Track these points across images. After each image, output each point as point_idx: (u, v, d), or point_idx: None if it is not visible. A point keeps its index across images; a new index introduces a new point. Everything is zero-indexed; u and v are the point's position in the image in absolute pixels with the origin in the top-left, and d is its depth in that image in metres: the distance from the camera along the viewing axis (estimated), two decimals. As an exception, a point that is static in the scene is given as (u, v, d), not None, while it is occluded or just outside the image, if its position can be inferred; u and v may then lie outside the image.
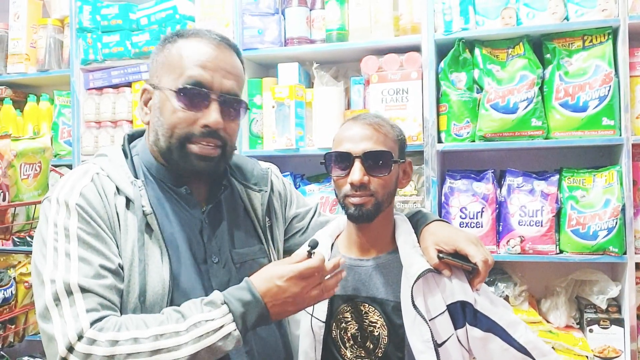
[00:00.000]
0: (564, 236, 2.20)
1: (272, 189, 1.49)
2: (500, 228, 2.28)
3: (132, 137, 1.38)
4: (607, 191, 2.16)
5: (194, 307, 1.10)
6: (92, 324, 1.05)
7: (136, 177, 1.25)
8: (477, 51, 2.31)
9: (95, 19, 2.67)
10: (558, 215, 2.23)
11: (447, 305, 1.30)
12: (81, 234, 1.12)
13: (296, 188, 2.54)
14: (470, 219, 2.27)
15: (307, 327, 1.37)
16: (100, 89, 2.74)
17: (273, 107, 2.45)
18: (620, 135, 2.14)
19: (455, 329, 1.30)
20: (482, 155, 2.52)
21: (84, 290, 1.08)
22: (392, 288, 1.34)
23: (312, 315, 1.37)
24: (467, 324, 1.30)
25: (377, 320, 1.34)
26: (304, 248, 1.21)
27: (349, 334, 1.37)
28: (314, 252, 1.19)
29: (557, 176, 2.26)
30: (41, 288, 1.09)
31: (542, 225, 2.21)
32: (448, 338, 1.30)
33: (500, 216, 2.28)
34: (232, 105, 1.27)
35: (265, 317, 1.14)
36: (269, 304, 1.13)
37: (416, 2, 2.35)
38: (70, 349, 1.03)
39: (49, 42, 2.83)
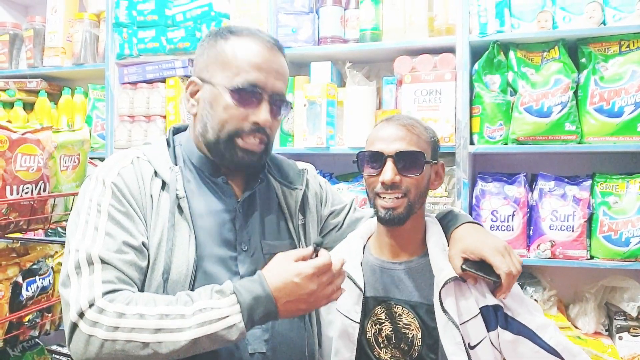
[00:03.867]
0: (595, 242, 2.19)
1: (307, 188, 1.52)
2: (531, 232, 2.27)
3: (178, 130, 1.44)
4: (640, 197, 2.14)
5: (203, 293, 1.13)
6: (104, 294, 1.09)
7: (175, 164, 1.32)
8: (511, 54, 2.30)
9: (132, 14, 2.71)
10: (590, 220, 2.21)
11: (480, 308, 1.31)
12: (112, 210, 1.19)
13: (325, 186, 2.56)
14: (501, 222, 2.27)
15: (341, 327, 1.38)
16: (134, 83, 2.78)
17: (305, 105, 2.47)
18: (656, 142, 2.12)
19: (488, 331, 1.31)
20: (513, 158, 2.51)
21: (104, 262, 1.13)
22: (425, 291, 1.34)
23: (346, 316, 1.38)
24: (498, 327, 1.31)
25: (411, 322, 1.35)
26: (309, 246, 1.21)
27: (384, 335, 1.38)
28: (319, 249, 1.20)
29: (590, 181, 2.24)
30: (67, 256, 1.16)
31: (573, 230, 2.20)
32: (480, 341, 1.31)
33: (531, 220, 2.27)
34: (279, 105, 1.33)
35: (274, 314, 1.14)
36: (282, 301, 1.14)
37: (451, 3, 2.35)
38: (81, 315, 1.08)
39: (84, 36, 2.88)
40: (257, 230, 1.35)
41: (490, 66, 2.31)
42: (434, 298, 1.30)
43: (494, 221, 2.28)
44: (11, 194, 1.44)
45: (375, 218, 1.44)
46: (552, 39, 2.25)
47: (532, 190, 2.31)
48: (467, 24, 2.29)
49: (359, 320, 1.36)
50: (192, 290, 1.17)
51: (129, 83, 2.78)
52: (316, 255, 1.19)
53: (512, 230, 2.26)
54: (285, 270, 1.15)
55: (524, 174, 2.31)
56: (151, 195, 1.24)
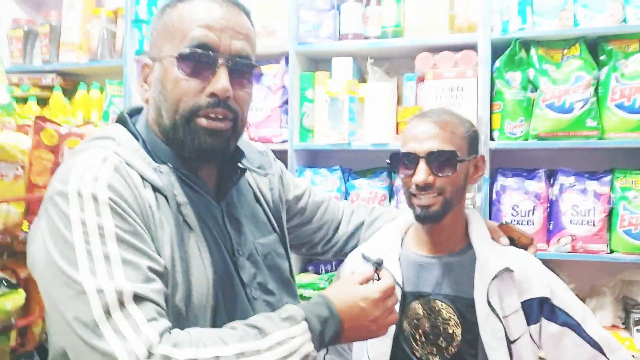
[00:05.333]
0: (615, 236, 2.23)
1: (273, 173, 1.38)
2: (551, 226, 2.30)
3: (130, 115, 1.19)
4: (660, 193, 2.18)
5: (271, 323, 1.00)
6: (160, 336, 0.92)
7: (155, 161, 1.10)
8: (532, 51, 2.33)
9: (152, 11, 2.71)
10: (610, 215, 2.26)
11: (521, 303, 1.31)
12: (120, 233, 0.96)
13: (345, 182, 2.58)
14: (522, 216, 2.30)
15: None
16: (152, 79, 2.78)
17: (326, 101, 2.49)
18: (675, 138, 2.16)
19: (528, 325, 1.32)
20: (532, 154, 2.54)
21: (138, 298, 0.93)
22: (465, 285, 1.34)
23: None
24: (542, 319, 1.32)
25: (451, 317, 1.34)
26: (368, 266, 1.19)
27: (421, 331, 1.37)
28: (380, 270, 1.17)
29: (610, 176, 2.28)
30: (78, 299, 0.91)
31: (594, 225, 2.24)
32: (521, 335, 1.31)
33: (552, 215, 2.31)
34: (242, 70, 1.11)
35: (339, 337, 1.07)
36: (346, 324, 1.07)
37: (472, 1, 2.38)
38: None
39: (102, 33, 2.88)
40: (246, 229, 1.20)
41: (511, 63, 2.34)
42: (476, 292, 1.31)
43: (515, 216, 2.32)
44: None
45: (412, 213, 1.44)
46: (573, 36, 2.29)
47: (552, 185, 2.34)
48: (489, 22, 2.32)
49: (396, 312, 1.36)
50: (215, 314, 1.06)
51: (147, 79, 2.79)
52: (378, 275, 1.16)
53: (533, 224, 2.30)
54: (351, 293, 1.09)
55: (544, 169, 2.35)
56: (149, 206, 1.03)
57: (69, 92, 3.03)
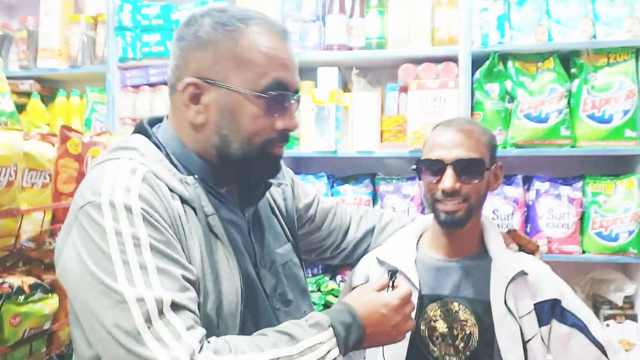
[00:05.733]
0: (587, 238, 2.39)
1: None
2: (529, 229, 2.44)
3: (150, 125, 1.20)
4: (627, 197, 2.35)
5: (300, 330, 1.04)
6: (200, 343, 0.95)
7: (180, 173, 1.11)
8: (509, 64, 2.47)
9: (136, 18, 2.72)
10: (582, 218, 2.41)
11: (534, 305, 1.37)
12: (154, 243, 0.97)
13: (330, 188, 2.66)
14: (502, 220, 2.43)
15: None
16: (136, 86, 2.79)
17: (313, 110, 2.56)
18: (641, 146, 2.34)
19: (540, 326, 1.37)
20: (510, 161, 2.66)
21: (176, 306, 0.95)
22: (482, 288, 1.38)
23: None
24: (553, 321, 1.38)
25: (468, 319, 1.38)
26: (383, 271, 1.23)
27: (438, 333, 1.40)
28: (395, 278, 1.19)
29: (581, 182, 2.44)
30: (118, 308, 0.93)
31: (568, 228, 2.39)
32: (533, 336, 1.36)
33: (529, 218, 2.45)
34: (298, 104, 1.19)
35: (361, 342, 1.10)
36: (368, 330, 1.10)
37: (453, 16, 2.50)
38: None
39: (82, 39, 2.86)
40: (268, 241, 1.24)
41: (490, 75, 2.47)
42: (493, 294, 1.35)
43: (495, 220, 2.44)
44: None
45: (427, 216, 1.50)
46: (548, 50, 2.44)
47: (528, 190, 2.48)
48: (469, 35, 2.45)
49: (413, 318, 1.38)
50: (243, 323, 1.09)
51: (130, 86, 2.79)
52: (393, 283, 1.19)
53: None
54: (371, 300, 1.13)
55: (521, 175, 2.49)
56: (179, 216, 1.05)
57: (46, 99, 2.99)
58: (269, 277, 1.19)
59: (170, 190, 1.06)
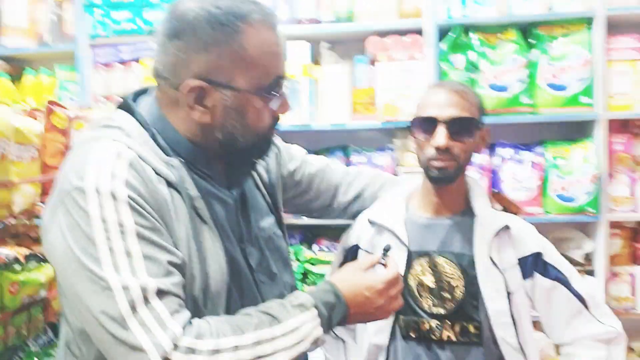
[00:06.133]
0: (548, 200, 2.53)
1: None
2: (494, 194, 2.57)
3: (136, 98, 1.19)
4: (584, 160, 2.50)
5: (284, 310, 1.07)
6: (183, 328, 0.97)
7: (166, 154, 1.11)
8: (472, 35, 2.57)
9: (105, -5, 2.73)
10: (543, 181, 2.55)
11: (518, 259, 1.43)
12: (139, 229, 0.99)
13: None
14: (469, 185, 2.55)
15: None
16: (108, 64, 2.79)
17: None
18: (596, 112, 2.48)
19: (524, 279, 1.43)
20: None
21: (161, 292, 0.97)
22: (467, 243, 1.44)
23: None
24: (536, 274, 1.43)
25: (454, 272, 1.44)
26: (377, 252, 1.24)
27: (425, 286, 1.46)
28: (387, 257, 1.21)
29: (542, 148, 2.58)
30: (104, 295, 0.96)
31: (530, 191, 2.53)
32: (517, 289, 1.42)
33: (494, 183, 2.58)
34: None
35: (345, 320, 1.14)
36: (352, 311, 1.13)
37: (419, -11, 2.59)
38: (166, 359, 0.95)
39: (49, 17, 2.85)
40: (253, 217, 1.25)
41: (454, 47, 2.57)
42: (476, 248, 1.42)
43: (462, 185, 2.56)
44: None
45: (416, 179, 1.55)
46: (509, 22, 2.55)
47: (493, 156, 2.61)
48: (434, 8, 2.54)
49: (402, 274, 1.43)
50: (229, 300, 1.12)
51: (102, 64, 2.80)
52: (385, 263, 1.20)
53: (478, 192, 2.55)
54: (356, 282, 1.15)
55: (486, 142, 2.61)
56: (165, 200, 1.05)
57: (14, 78, 2.97)
58: (254, 252, 1.22)
59: (156, 173, 1.06)
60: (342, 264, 1.60)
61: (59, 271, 1.04)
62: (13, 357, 1.46)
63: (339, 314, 1.11)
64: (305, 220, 2.72)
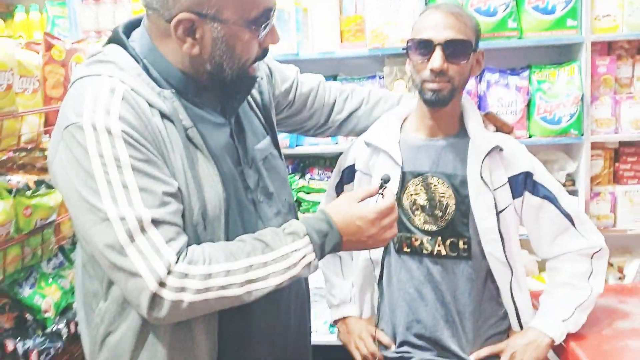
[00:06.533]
0: (533, 123, 2.61)
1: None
2: (481, 118, 2.65)
3: (127, 32, 1.21)
4: (569, 83, 2.56)
5: (277, 238, 1.12)
6: (177, 255, 1.04)
7: (158, 86, 1.14)
8: (460, -40, 2.58)
9: None
10: (528, 105, 2.63)
11: (508, 178, 1.49)
12: (134, 162, 1.04)
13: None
14: (456, 111, 2.62)
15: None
16: (96, -2, 2.80)
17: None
18: (581, 35, 2.53)
19: (513, 198, 1.49)
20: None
21: (156, 221, 1.04)
22: (459, 164, 1.50)
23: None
24: (525, 192, 1.49)
25: (446, 191, 1.50)
26: (375, 182, 1.30)
27: (419, 205, 1.52)
28: (385, 187, 1.23)
29: (527, 72, 2.64)
30: (104, 225, 1.02)
31: (516, 114, 2.60)
32: (506, 207, 1.49)
33: (481, 108, 2.64)
34: None
35: (338, 248, 1.18)
36: (344, 239, 1.17)
37: None
38: (162, 284, 1.02)
39: (35, -49, 2.83)
40: (249, 139, 1.29)
41: (442, -28, 2.58)
42: (469, 168, 1.47)
43: (450, 111, 2.63)
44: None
45: (411, 101, 1.59)
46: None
47: (479, 82, 2.67)
48: None
49: (396, 193, 1.48)
50: (227, 222, 1.17)
51: (90, -2, 2.80)
52: (382, 191, 1.22)
53: (466, 117, 2.63)
54: (349, 211, 1.18)
55: (473, 68, 2.66)
56: (159, 132, 1.09)
57: (3, 16, 2.97)
58: (251, 173, 1.26)
59: (150, 105, 1.10)
60: (338, 184, 1.68)
61: (65, 202, 1.11)
62: (29, 276, 1.58)
63: (332, 242, 1.16)
64: (297, 150, 2.81)
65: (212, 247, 1.10)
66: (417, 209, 1.53)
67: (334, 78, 2.80)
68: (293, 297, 1.33)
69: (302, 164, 2.99)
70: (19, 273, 1.51)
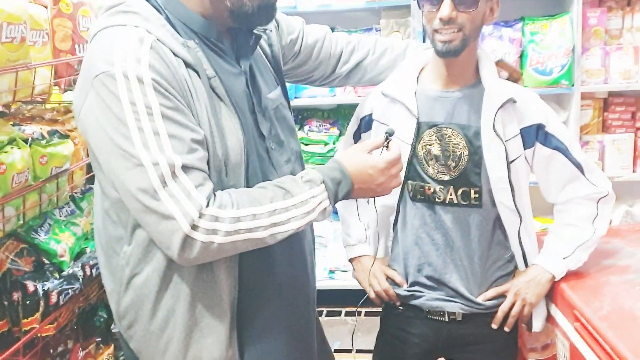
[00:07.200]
0: (526, 74, 2.68)
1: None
2: (475, 70, 2.71)
3: None
4: (561, 35, 2.62)
5: (295, 185, 1.18)
6: (207, 199, 1.09)
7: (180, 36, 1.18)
8: None
9: None
10: (521, 57, 2.69)
11: (520, 130, 1.51)
12: (164, 110, 1.08)
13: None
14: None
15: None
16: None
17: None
18: (573, -15, 2.58)
19: (525, 149, 1.52)
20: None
21: (186, 168, 1.09)
22: (474, 116, 1.52)
23: (400, 139, 1.55)
24: (537, 144, 1.52)
25: (460, 142, 1.53)
26: (380, 135, 1.31)
27: (432, 154, 1.55)
28: (390, 140, 1.29)
29: (520, 24, 2.69)
30: (137, 170, 1.07)
31: (509, 66, 2.66)
32: (517, 157, 1.52)
33: (475, 59, 2.70)
34: None
35: (350, 196, 1.25)
36: (356, 187, 1.24)
37: None
38: (194, 227, 1.07)
39: None
40: (262, 89, 1.34)
41: None
42: (482, 119, 1.50)
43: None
44: (79, 52, 1.62)
45: (428, 51, 1.60)
46: None
47: (474, 34, 2.72)
48: None
49: (411, 143, 1.55)
50: (247, 168, 1.23)
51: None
52: (387, 144, 1.29)
53: (460, 69, 2.69)
54: (361, 161, 1.25)
55: (467, 20, 2.71)
56: (185, 80, 1.14)
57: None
58: (264, 122, 1.31)
59: (175, 55, 1.13)
60: (355, 132, 1.72)
61: (95, 150, 1.15)
62: (44, 223, 1.66)
63: (345, 189, 1.22)
64: (295, 102, 2.85)
65: (237, 192, 1.15)
66: (431, 159, 1.57)
67: (332, 31, 2.82)
68: (305, 242, 1.42)
69: (301, 116, 3.06)
70: (36, 219, 1.59)
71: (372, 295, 1.71)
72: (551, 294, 1.60)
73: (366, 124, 1.68)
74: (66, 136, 1.63)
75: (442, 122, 1.55)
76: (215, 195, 1.12)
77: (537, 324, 1.63)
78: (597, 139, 2.80)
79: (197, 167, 1.10)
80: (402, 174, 1.52)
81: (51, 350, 1.68)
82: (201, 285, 1.21)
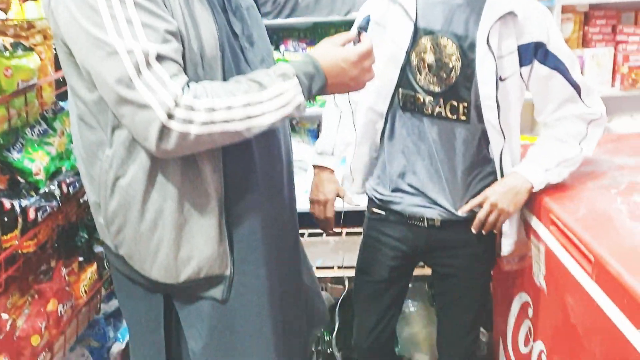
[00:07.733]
0: None
1: None
2: None
3: None
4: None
5: (268, 79, 1.17)
6: (182, 89, 1.09)
7: None
8: None
9: None
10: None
11: (518, 46, 1.48)
12: None
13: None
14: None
15: (390, 54, 1.55)
16: None
17: None
18: None
19: (520, 66, 1.50)
20: None
21: (160, 57, 1.08)
22: (472, 25, 1.48)
23: (396, 44, 1.55)
24: (535, 62, 1.49)
25: (453, 53, 1.50)
26: (353, 30, 1.31)
27: (426, 63, 1.54)
28: (361, 34, 1.28)
29: None
30: (111, 59, 1.06)
31: None
32: (510, 75, 1.50)
33: None
34: None
35: (324, 89, 1.24)
36: (329, 81, 1.23)
37: None
38: (170, 115, 1.07)
39: None
40: None
41: None
42: (479, 31, 1.46)
43: None
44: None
45: None
46: None
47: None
48: None
49: (406, 49, 1.53)
50: (223, 64, 1.23)
51: None
52: (359, 39, 1.27)
53: None
54: (333, 54, 1.23)
55: None
56: None
57: None
58: (236, 21, 1.30)
59: None
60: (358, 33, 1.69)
61: (67, 40, 1.13)
62: (17, 141, 1.62)
63: (318, 83, 1.21)
64: (270, 22, 2.76)
65: (212, 84, 1.14)
66: (424, 68, 1.55)
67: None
68: (283, 146, 1.42)
69: (276, 36, 2.98)
70: (6, 135, 1.54)
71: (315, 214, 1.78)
72: (530, 203, 1.61)
73: (364, 24, 1.63)
74: (30, 49, 1.56)
75: (439, 30, 1.52)
76: (189, 86, 1.11)
77: (506, 248, 1.65)
78: (577, 53, 2.76)
79: (172, 58, 1.10)
80: (393, 78, 1.56)
81: (35, 269, 1.68)
82: (188, 182, 1.22)
